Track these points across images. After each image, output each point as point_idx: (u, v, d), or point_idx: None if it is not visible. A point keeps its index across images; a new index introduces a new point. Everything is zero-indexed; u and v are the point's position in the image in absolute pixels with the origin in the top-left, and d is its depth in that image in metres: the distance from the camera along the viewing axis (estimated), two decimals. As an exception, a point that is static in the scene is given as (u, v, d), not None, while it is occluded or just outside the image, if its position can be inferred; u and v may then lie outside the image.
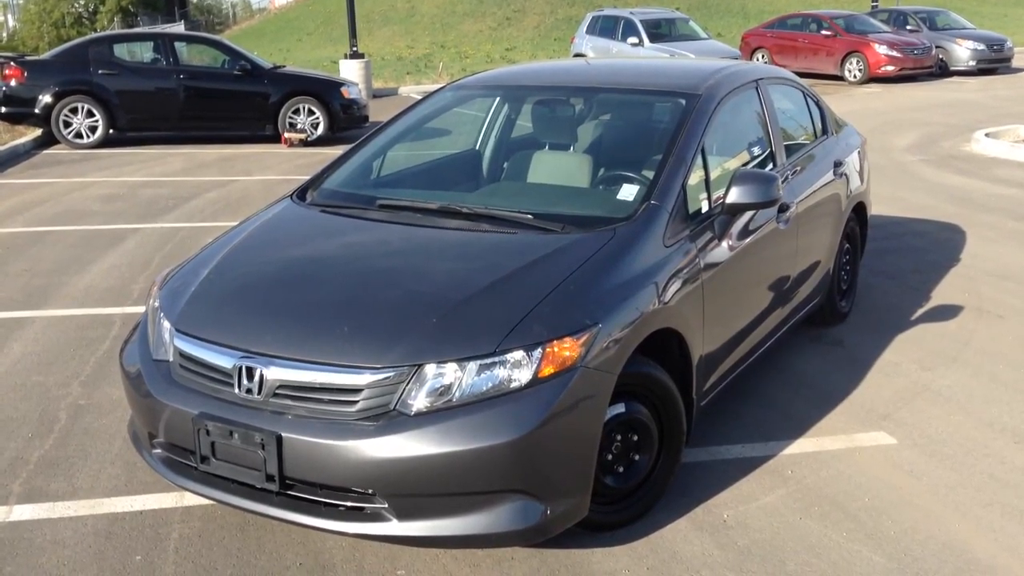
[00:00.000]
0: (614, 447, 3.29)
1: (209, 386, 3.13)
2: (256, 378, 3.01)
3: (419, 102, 4.74)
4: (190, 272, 3.59)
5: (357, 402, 2.90)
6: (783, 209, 4.33)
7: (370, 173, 4.40)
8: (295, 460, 2.91)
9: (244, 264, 3.59)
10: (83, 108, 12.70)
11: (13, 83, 12.69)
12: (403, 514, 2.90)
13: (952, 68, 21.87)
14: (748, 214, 3.98)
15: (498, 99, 4.91)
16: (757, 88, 4.56)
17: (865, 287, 6.15)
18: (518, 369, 2.91)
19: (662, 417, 3.41)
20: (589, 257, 3.28)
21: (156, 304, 3.50)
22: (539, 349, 2.93)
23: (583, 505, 3.08)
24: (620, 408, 3.26)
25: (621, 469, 3.34)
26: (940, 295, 6.11)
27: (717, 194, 3.86)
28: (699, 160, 3.84)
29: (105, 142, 12.88)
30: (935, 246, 7.35)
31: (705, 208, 3.81)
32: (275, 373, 2.99)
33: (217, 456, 3.05)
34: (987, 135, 12.02)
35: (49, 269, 6.91)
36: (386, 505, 2.90)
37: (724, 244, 3.81)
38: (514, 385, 2.89)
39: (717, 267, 3.72)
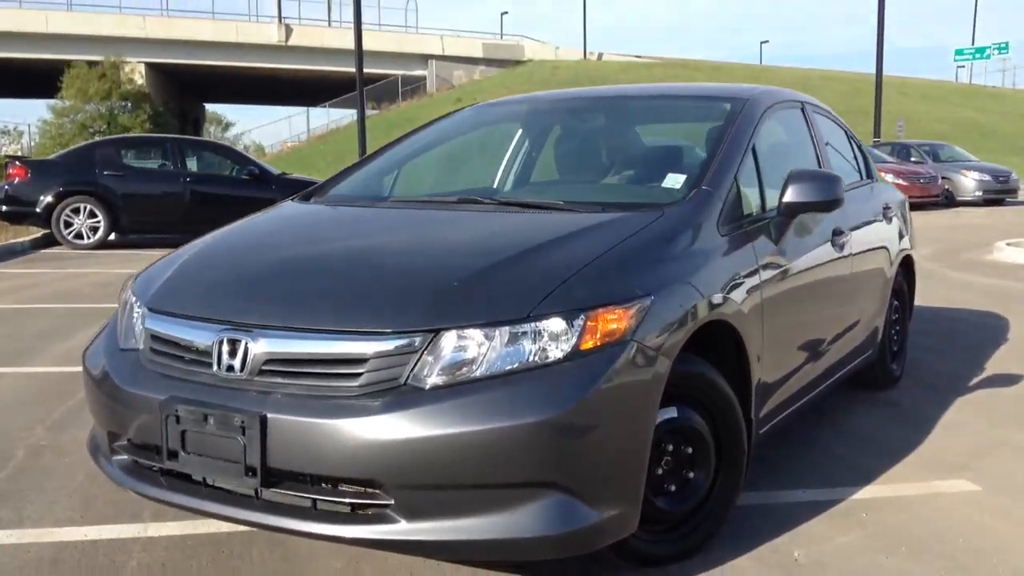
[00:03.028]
0: (665, 461, 2.75)
1: (183, 369, 2.62)
2: (240, 353, 2.50)
3: (440, 118, 4.36)
4: (170, 260, 3.13)
5: (360, 375, 2.39)
6: (838, 233, 3.90)
7: (381, 186, 3.97)
8: (282, 446, 2.37)
9: (232, 243, 3.15)
10: (85, 209, 12.45)
11: (16, 181, 12.51)
12: (413, 513, 2.34)
13: (958, 198, 21.88)
14: (803, 229, 3.55)
15: (527, 114, 4.52)
16: (803, 110, 4.21)
17: (914, 361, 5.64)
18: (556, 340, 2.41)
19: (719, 429, 2.88)
20: (636, 232, 2.82)
21: (130, 297, 3.02)
22: (581, 317, 2.43)
23: (631, 518, 2.52)
24: (672, 412, 2.73)
25: (674, 488, 2.79)
26: (995, 367, 5.60)
27: (771, 202, 3.43)
28: (750, 161, 3.43)
29: (105, 244, 12.57)
30: (978, 329, 6.88)
31: (758, 212, 3.38)
32: (262, 346, 2.49)
33: (187, 448, 2.51)
34: (1008, 244, 11.71)
35: (31, 335, 6.44)
36: (392, 502, 2.34)
37: (782, 259, 3.35)
38: (551, 357, 2.39)
39: (776, 283, 3.26)
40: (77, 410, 4.50)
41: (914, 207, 22.91)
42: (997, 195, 22.00)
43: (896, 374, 5.12)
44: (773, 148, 3.84)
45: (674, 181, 3.32)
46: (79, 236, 12.50)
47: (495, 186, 4.11)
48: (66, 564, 2.81)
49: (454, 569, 2.75)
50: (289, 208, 3.59)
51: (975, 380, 5.24)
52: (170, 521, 3.12)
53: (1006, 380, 5.24)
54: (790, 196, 3.33)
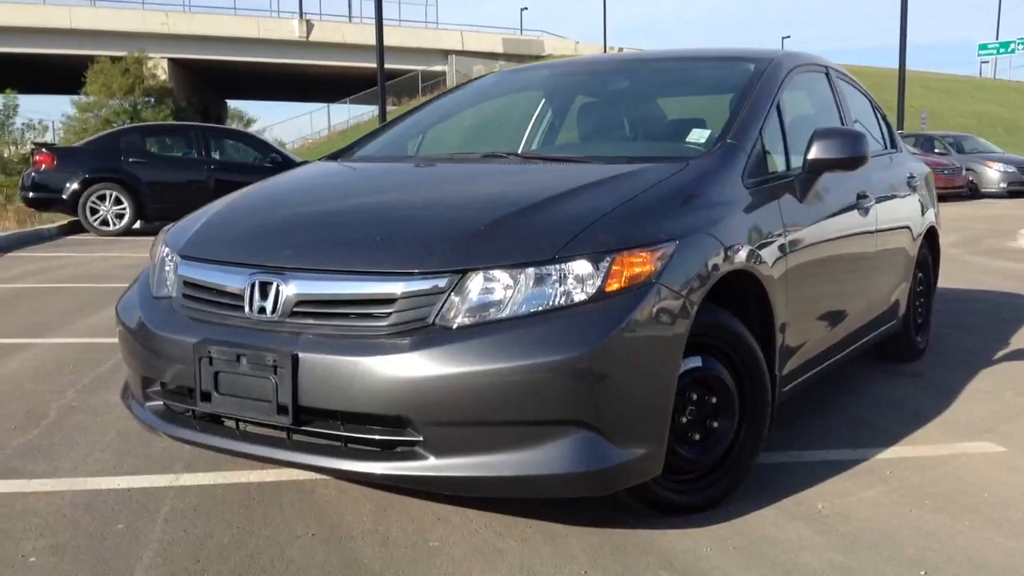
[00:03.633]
0: (689, 410, 2.77)
1: (215, 313, 2.67)
2: (271, 295, 2.55)
3: (462, 85, 4.41)
4: (201, 213, 3.18)
5: (389, 315, 2.43)
6: (862, 196, 3.90)
7: (406, 149, 4.01)
8: (313, 384, 2.41)
9: (263, 196, 3.20)
10: (111, 195, 12.58)
11: (43, 168, 12.64)
12: (441, 450, 2.37)
13: (983, 190, 21.70)
14: (828, 189, 3.55)
15: (550, 80, 4.54)
16: (828, 75, 4.21)
17: (938, 337, 5.62)
18: (581, 282, 2.43)
19: (743, 380, 2.89)
20: (661, 180, 2.85)
21: (162, 249, 3.07)
22: (607, 259, 2.46)
23: (656, 460, 2.54)
24: (697, 362, 2.76)
25: (698, 437, 2.81)
26: (1020, 342, 5.57)
27: (796, 162, 3.45)
28: (775, 119, 3.44)
29: (130, 231, 12.69)
30: (1002, 308, 6.85)
31: (783, 171, 3.39)
32: (293, 288, 2.53)
33: (220, 390, 2.55)
34: (1034, 231, 11.62)
35: (59, 310, 6.53)
36: (421, 439, 2.38)
37: (807, 217, 3.36)
38: (576, 299, 2.42)
39: (801, 239, 3.26)
40: (107, 376, 4.57)
41: (938, 198, 22.58)
42: (1022, 187, 21.78)
43: (920, 346, 5.10)
44: (797, 109, 3.85)
45: (699, 135, 3.34)
46: (105, 223, 12.62)
47: (520, 151, 4.13)
48: (99, 510, 2.87)
49: (479, 513, 2.79)
50: (317, 166, 3.64)
51: (999, 354, 5.22)
52: (201, 472, 3.18)
53: (1031, 354, 5.22)
54: (815, 153, 3.34)
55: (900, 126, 25.70)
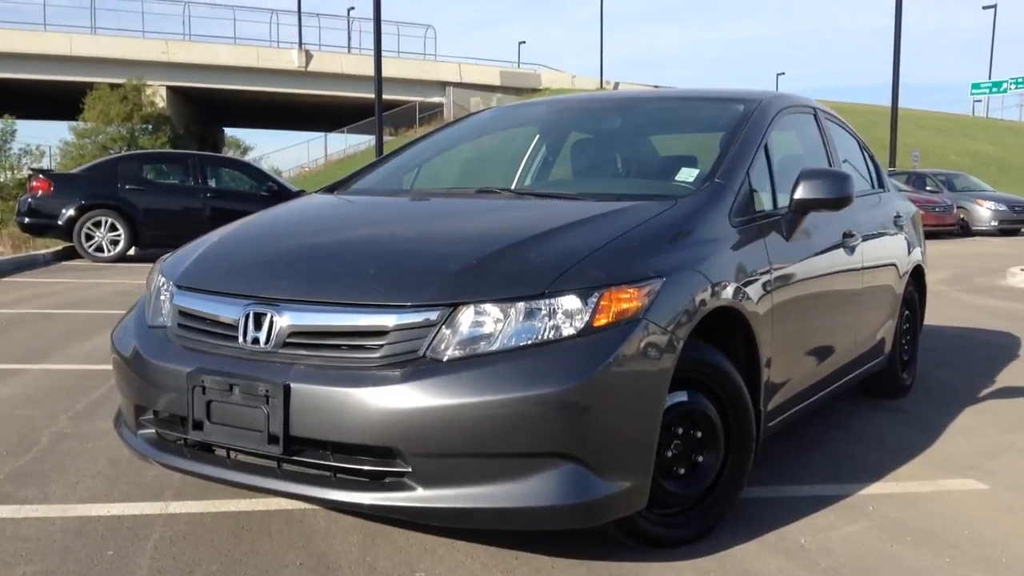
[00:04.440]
0: (675, 444, 2.82)
1: (210, 342, 2.72)
2: (265, 326, 2.60)
3: (457, 121, 4.49)
4: (198, 243, 3.23)
5: (381, 347, 2.48)
6: (848, 236, 3.97)
7: (401, 182, 4.08)
8: (304, 415, 2.46)
9: (259, 227, 3.26)
10: (106, 222, 12.63)
11: (40, 194, 12.70)
12: (430, 481, 2.41)
13: (974, 228, 21.84)
14: (814, 228, 3.62)
15: (545, 117, 4.63)
16: (816, 116, 4.30)
17: (924, 373, 5.68)
18: (570, 317, 2.49)
19: (728, 414, 2.94)
20: (649, 218, 2.91)
21: (159, 278, 3.12)
22: (596, 295, 2.52)
23: (642, 491, 2.58)
24: (682, 396, 2.81)
25: (683, 471, 2.85)
26: (1005, 380, 5.63)
27: (783, 202, 3.52)
28: (762, 159, 3.51)
29: (125, 257, 12.74)
30: (989, 346, 6.91)
31: (770, 210, 3.46)
32: (287, 319, 2.58)
33: (212, 419, 2.59)
34: (1023, 269, 11.71)
35: (53, 336, 6.55)
36: (410, 470, 2.42)
37: (793, 255, 3.43)
38: (565, 333, 2.47)
39: (787, 277, 3.33)
40: (99, 402, 4.60)
41: (929, 236, 22.64)
42: (1013, 225, 21.95)
43: (907, 383, 5.16)
44: (785, 149, 3.92)
45: (687, 175, 3.42)
46: (100, 249, 12.66)
47: (513, 187, 4.21)
48: (90, 536, 2.89)
49: (466, 545, 2.82)
50: (313, 198, 3.71)
51: (985, 391, 5.28)
52: (190, 500, 3.20)
53: (1016, 392, 5.28)
54: (801, 193, 3.41)
55: (892, 164, 25.95)
